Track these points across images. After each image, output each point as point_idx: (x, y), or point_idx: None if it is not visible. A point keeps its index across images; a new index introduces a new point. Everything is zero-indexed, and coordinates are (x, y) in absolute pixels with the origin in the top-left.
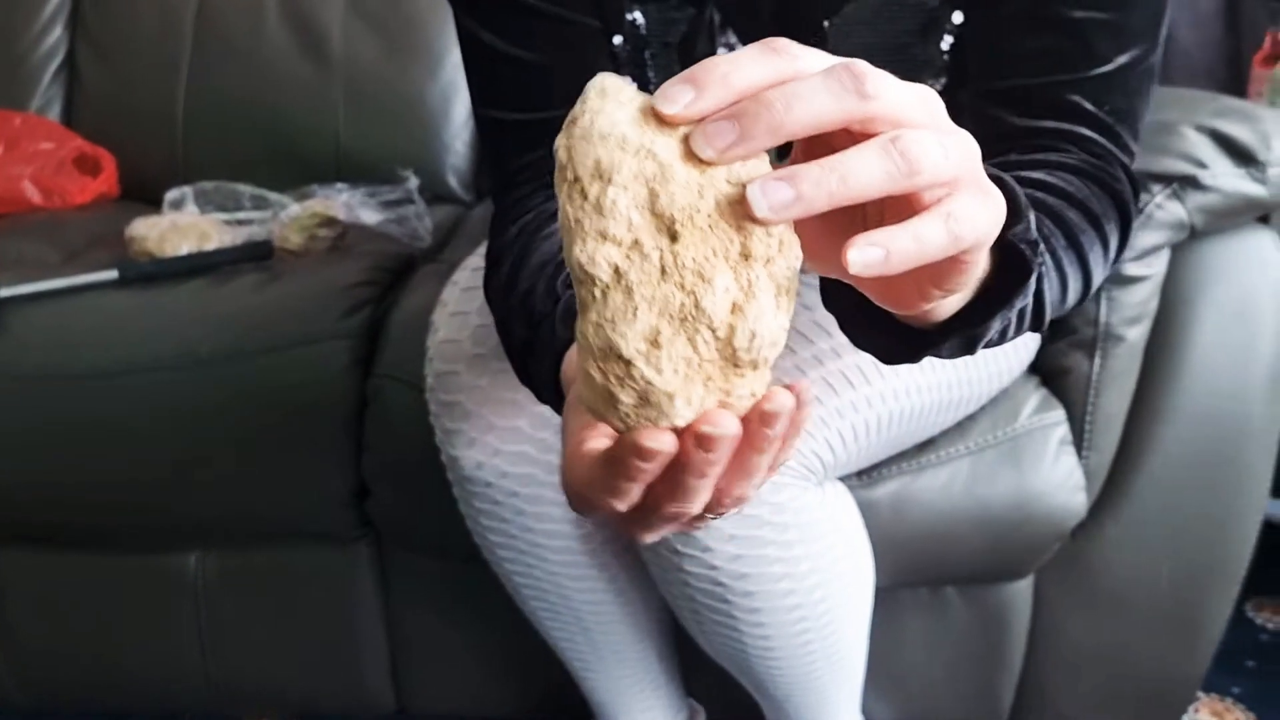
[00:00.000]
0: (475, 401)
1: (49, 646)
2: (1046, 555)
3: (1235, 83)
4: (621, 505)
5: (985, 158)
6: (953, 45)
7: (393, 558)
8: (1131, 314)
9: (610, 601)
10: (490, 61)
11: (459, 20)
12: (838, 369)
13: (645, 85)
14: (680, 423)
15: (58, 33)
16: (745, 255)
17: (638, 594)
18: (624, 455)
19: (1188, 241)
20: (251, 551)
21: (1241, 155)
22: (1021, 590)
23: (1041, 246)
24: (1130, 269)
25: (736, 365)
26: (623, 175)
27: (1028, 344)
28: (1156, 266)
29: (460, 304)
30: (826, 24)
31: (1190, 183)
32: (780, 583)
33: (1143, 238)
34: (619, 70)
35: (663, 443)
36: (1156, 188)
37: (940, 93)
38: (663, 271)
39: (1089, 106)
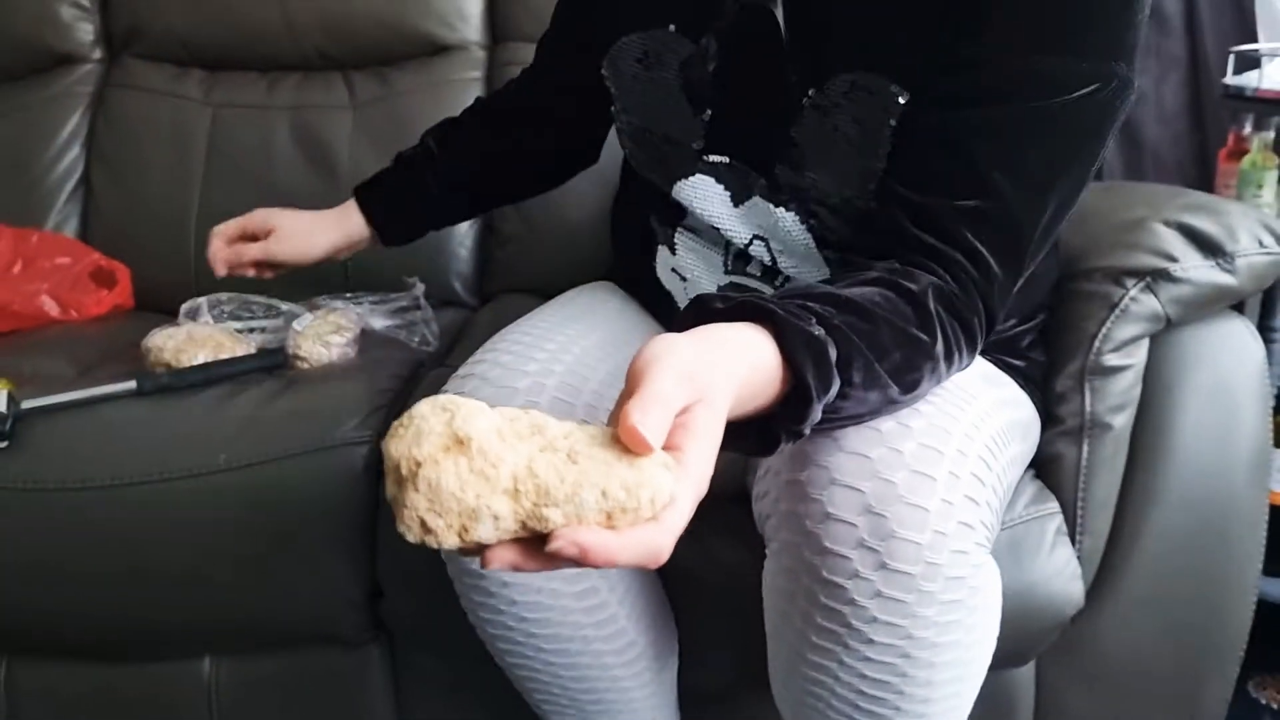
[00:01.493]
0: None
1: None
2: (1047, 642)
3: (1203, 178)
4: None
5: (880, 251)
6: (895, 132)
7: (404, 659)
8: (1115, 402)
9: (608, 690)
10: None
11: None
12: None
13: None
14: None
15: (74, 152)
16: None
17: (635, 683)
18: None
19: (1165, 331)
20: (264, 655)
21: (1210, 247)
22: (1024, 674)
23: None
24: (1111, 360)
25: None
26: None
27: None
28: (1137, 356)
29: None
30: (812, 91)
31: (1162, 276)
32: (957, 654)
33: (1121, 329)
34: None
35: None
36: (1130, 282)
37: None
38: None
39: (967, 236)
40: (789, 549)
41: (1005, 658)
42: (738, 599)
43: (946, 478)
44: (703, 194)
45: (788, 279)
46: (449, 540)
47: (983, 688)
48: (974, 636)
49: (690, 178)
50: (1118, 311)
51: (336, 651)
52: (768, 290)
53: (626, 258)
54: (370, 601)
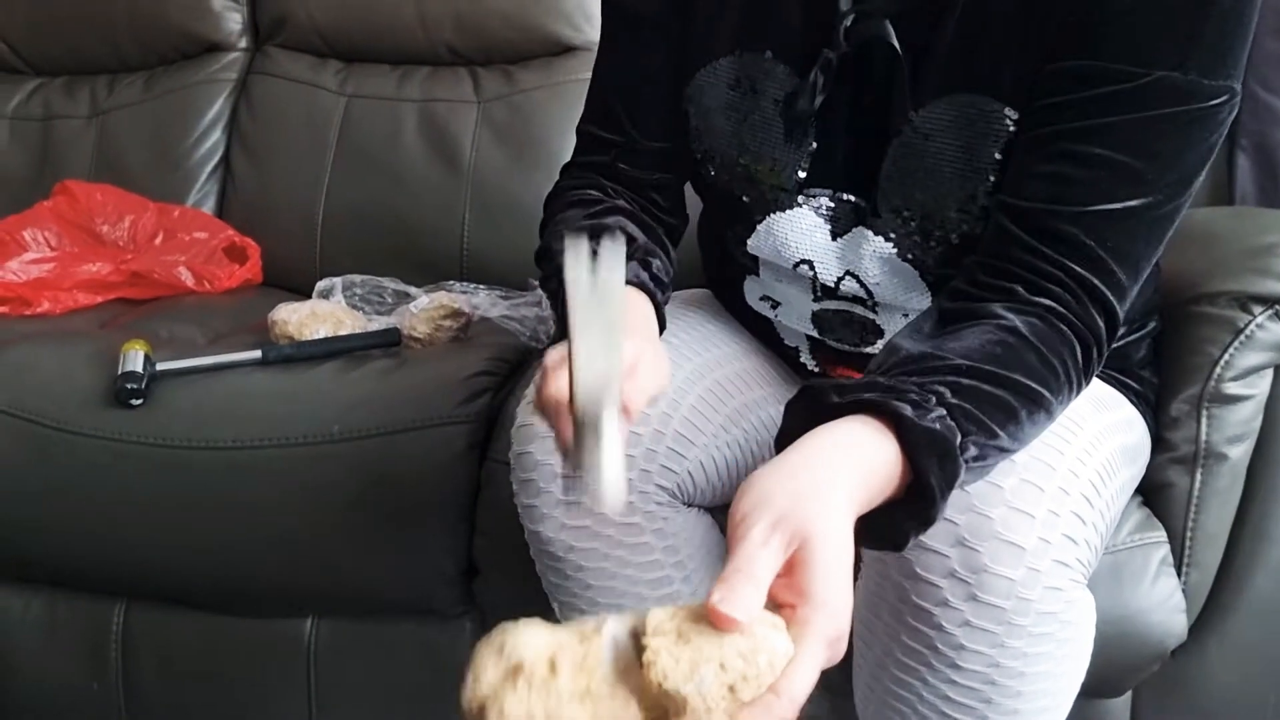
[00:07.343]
0: (545, 479)
1: (170, 700)
2: (1145, 674)
3: None
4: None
5: (990, 265)
6: (1003, 151)
7: None
8: (1234, 433)
9: None
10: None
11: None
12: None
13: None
14: None
15: (217, 135)
16: None
17: None
18: None
19: None
20: (362, 620)
21: None
22: (1119, 705)
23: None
24: (1232, 388)
25: None
26: None
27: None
28: (1260, 387)
29: (534, 394)
30: (914, 114)
31: None
32: (1045, 684)
33: (1245, 357)
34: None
35: None
36: (1258, 309)
37: (988, 198)
38: None
39: (1085, 239)
40: (876, 563)
41: (1100, 686)
42: None
43: (1046, 515)
44: (799, 227)
45: (878, 303)
46: None
47: (1076, 717)
48: (1063, 667)
49: (786, 211)
50: (1242, 338)
51: (430, 623)
52: (862, 313)
53: (716, 284)
54: (465, 578)
